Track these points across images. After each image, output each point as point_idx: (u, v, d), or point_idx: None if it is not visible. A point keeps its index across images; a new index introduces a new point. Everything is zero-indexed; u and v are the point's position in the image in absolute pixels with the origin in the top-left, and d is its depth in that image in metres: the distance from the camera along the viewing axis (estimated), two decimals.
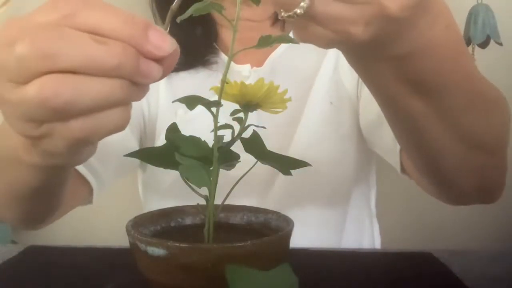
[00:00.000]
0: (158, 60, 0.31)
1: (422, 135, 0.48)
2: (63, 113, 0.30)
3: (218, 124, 0.43)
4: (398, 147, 0.65)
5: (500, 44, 1.14)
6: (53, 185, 0.50)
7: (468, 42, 1.16)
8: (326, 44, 0.36)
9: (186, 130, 0.47)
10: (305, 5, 0.32)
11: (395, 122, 0.51)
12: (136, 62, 0.30)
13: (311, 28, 0.34)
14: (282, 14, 0.33)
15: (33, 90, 0.29)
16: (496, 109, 0.51)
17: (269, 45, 0.40)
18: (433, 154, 0.50)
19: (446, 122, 0.46)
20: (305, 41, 0.36)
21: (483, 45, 1.15)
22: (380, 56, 0.39)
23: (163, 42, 0.31)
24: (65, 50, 0.28)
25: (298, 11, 0.32)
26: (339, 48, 0.39)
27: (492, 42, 1.15)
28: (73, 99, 0.29)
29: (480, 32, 1.13)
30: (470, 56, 0.44)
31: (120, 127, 0.32)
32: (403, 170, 0.68)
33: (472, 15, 1.14)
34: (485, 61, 1.19)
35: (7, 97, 0.31)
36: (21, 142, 0.38)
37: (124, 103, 0.31)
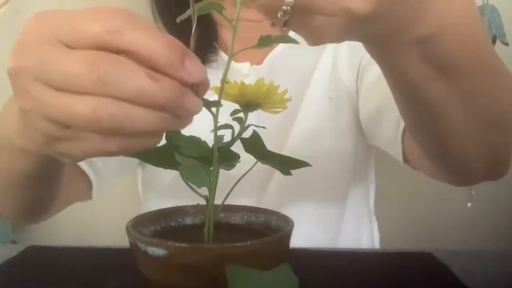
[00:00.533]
0: (192, 86, 0.33)
1: (440, 118, 0.47)
2: (109, 132, 0.31)
3: (218, 124, 0.43)
4: (399, 137, 0.65)
5: (506, 44, 1.14)
6: (47, 173, 0.50)
7: None
8: (338, 33, 0.34)
9: (186, 130, 0.46)
10: (290, 2, 0.30)
11: (414, 110, 0.49)
12: (181, 98, 0.32)
13: (314, 23, 0.32)
14: (277, 17, 0.32)
15: (87, 108, 0.30)
16: (509, 86, 0.51)
17: (269, 45, 0.40)
18: (448, 137, 0.49)
19: (466, 102, 0.45)
20: (318, 41, 0.34)
21: None
22: (404, 40, 0.38)
23: (196, 70, 0.32)
24: (122, 81, 0.30)
25: (285, 7, 0.30)
26: (359, 39, 0.38)
27: (498, 42, 1.15)
28: (123, 123, 0.31)
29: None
30: (484, 29, 0.43)
31: (148, 149, 0.34)
32: (405, 160, 0.67)
33: None
34: None
35: (43, 99, 0.32)
36: (15, 127, 0.38)
37: (163, 132, 0.33)
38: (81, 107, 0.30)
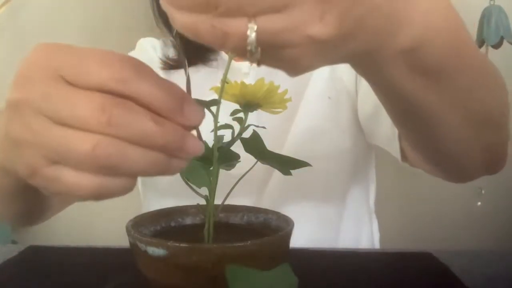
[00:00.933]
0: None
1: (432, 124, 0.47)
2: (104, 171, 0.33)
3: (218, 124, 0.43)
4: (396, 135, 0.65)
5: None
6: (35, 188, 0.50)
7: (482, 43, 1.16)
8: (312, 61, 0.33)
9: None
10: (252, 40, 0.30)
11: (405, 118, 0.50)
12: (183, 141, 0.33)
13: (285, 56, 0.32)
14: (247, 57, 0.31)
15: (87, 145, 0.31)
16: (497, 83, 0.51)
17: None
18: (442, 140, 0.50)
19: (457, 106, 0.45)
20: (296, 71, 0.34)
21: (497, 46, 1.15)
22: (386, 54, 0.38)
23: (195, 115, 0.34)
24: (129, 124, 0.32)
25: (249, 48, 0.30)
26: (340, 61, 0.38)
27: (505, 43, 1.15)
28: (119, 163, 0.32)
29: (494, 33, 1.13)
30: (467, 30, 0.43)
31: (121, 194, 0.35)
32: (404, 158, 0.68)
33: (485, 17, 1.14)
34: (498, 62, 1.19)
35: (43, 131, 0.32)
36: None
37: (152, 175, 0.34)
38: (81, 142, 0.32)
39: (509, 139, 0.55)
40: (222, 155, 0.44)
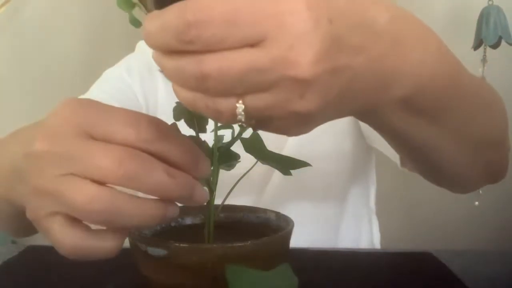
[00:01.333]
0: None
1: (432, 153, 0.48)
2: (98, 222, 0.34)
3: (218, 124, 0.43)
4: None
5: None
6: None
7: (480, 43, 1.16)
8: (300, 129, 0.35)
9: (186, 130, 0.47)
10: (241, 117, 0.32)
11: (404, 150, 0.51)
12: (193, 192, 0.36)
13: (276, 125, 0.34)
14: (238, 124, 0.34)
15: (82, 196, 0.33)
16: (496, 105, 0.52)
17: None
18: (441, 165, 0.50)
19: (457, 135, 0.46)
20: (290, 135, 0.36)
21: (495, 46, 1.15)
22: (382, 107, 0.38)
23: (207, 170, 0.38)
24: (144, 177, 0.34)
25: (240, 123, 0.33)
26: (334, 119, 0.38)
27: (503, 43, 1.15)
28: (114, 217, 0.34)
29: (492, 33, 1.13)
30: (459, 62, 0.44)
31: (110, 254, 0.36)
32: (403, 164, 0.68)
33: (484, 17, 1.14)
34: (497, 61, 1.19)
35: (60, 184, 0.34)
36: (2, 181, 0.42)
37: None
38: (79, 193, 0.33)
39: (509, 150, 0.55)
40: (222, 155, 0.44)
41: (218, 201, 0.45)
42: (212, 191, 0.44)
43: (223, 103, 0.32)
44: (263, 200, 0.77)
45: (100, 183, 0.34)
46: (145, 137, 0.34)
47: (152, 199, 0.35)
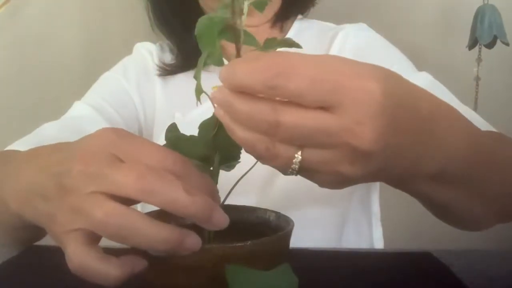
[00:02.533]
0: None
1: (452, 207, 0.50)
2: (113, 237, 0.36)
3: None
4: None
5: (507, 44, 1.14)
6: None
7: (475, 42, 1.16)
8: (334, 186, 0.39)
9: (184, 132, 0.47)
10: (295, 166, 0.36)
11: (428, 207, 0.54)
12: (211, 213, 0.37)
13: (316, 176, 0.38)
14: (288, 173, 0.38)
15: (99, 212, 0.35)
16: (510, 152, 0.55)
17: (274, 47, 0.41)
18: (458, 214, 0.53)
19: (479, 194, 0.49)
20: (326, 187, 0.40)
21: (490, 45, 1.15)
22: (413, 181, 0.42)
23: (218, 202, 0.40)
24: (161, 191, 0.35)
25: (293, 168, 0.36)
26: (366, 182, 0.43)
27: (498, 42, 1.15)
28: (128, 234, 0.36)
29: (487, 32, 1.13)
30: (486, 136, 0.51)
31: (113, 282, 0.38)
32: None
33: (479, 16, 1.14)
34: (492, 61, 1.19)
35: (88, 201, 0.36)
36: (17, 196, 0.44)
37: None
38: (96, 208, 0.36)
39: None
40: (222, 156, 0.44)
41: None
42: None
43: (283, 150, 0.35)
44: (266, 203, 0.77)
45: (122, 199, 0.36)
46: (171, 167, 0.37)
47: (170, 224, 0.36)
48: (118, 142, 0.39)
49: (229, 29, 0.39)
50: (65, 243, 0.38)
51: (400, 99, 0.36)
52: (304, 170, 0.37)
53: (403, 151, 0.38)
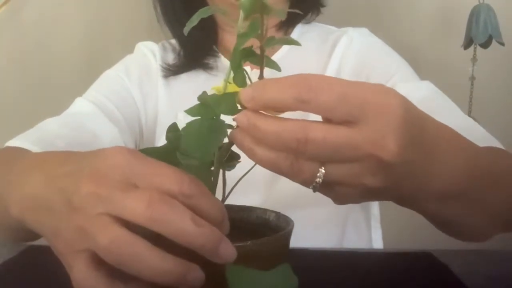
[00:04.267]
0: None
1: (456, 222, 0.51)
2: (116, 264, 0.35)
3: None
4: None
5: (502, 44, 1.14)
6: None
7: (470, 42, 1.16)
8: (356, 199, 0.41)
9: None
10: (319, 180, 0.38)
11: (433, 222, 0.54)
12: (218, 245, 0.36)
13: (336, 189, 0.40)
14: (309, 186, 0.39)
15: (105, 239, 0.35)
16: (509, 167, 0.57)
17: (273, 45, 0.41)
18: (462, 228, 0.54)
19: (483, 209, 0.51)
20: (342, 202, 0.42)
21: (485, 45, 1.15)
22: (424, 194, 0.44)
23: (226, 230, 0.39)
24: (170, 221, 0.35)
25: (317, 181, 0.38)
26: (379, 200, 0.46)
27: (494, 42, 1.15)
28: (130, 263, 0.35)
29: (482, 32, 1.13)
30: (474, 145, 0.52)
31: None
32: None
33: (474, 15, 1.14)
34: (487, 61, 1.19)
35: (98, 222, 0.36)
36: (18, 201, 0.44)
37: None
38: (101, 234, 0.35)
39: None
40: (222, 155, 0.44)
41: None
42: (212, 191, 0.44)
43: (307, 166, 0.37)
44: (268, 204, 0.77)
45: (129, 224, 0.35)
46: (187, 193, 0.36)
47: (175, 256, 0.36)
48: (133, 163, 0.38)
49: (252, 53, 0.41)
50: (71, 263, 0.37)
51: (413, 117, 0.39)
52: (326, 184, 0.38)
53: (414, 168, 0.40)
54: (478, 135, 0.63)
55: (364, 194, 0.40)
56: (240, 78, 0.41)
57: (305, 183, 0.39)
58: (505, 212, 0.53)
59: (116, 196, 0.36)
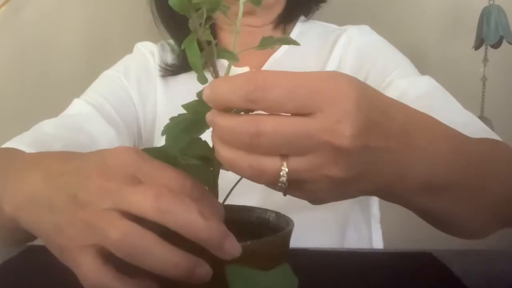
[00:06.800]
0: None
1: (450, 217, 0.51)
2: (127, 257, 0.36)
3: None
4: None
5: None
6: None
7: (481, 43, 1.16)
8: (328, 195, 0.40)
9: None
10: (284, 179, 0.37)
11: (424, 218, 0.54)
12: (223, 240, 0.37)
13: (307, 188, 0.39)
14: (276, 187, 0.38)
15: (116, 232, 0.35)
16: (505, 158, 0.55)
17: (271, 45, 0.40)
18: (460, 224, 0.53)
19: (472, 200, 0.49)
20: (317, 201, 0.42)
21: (496, 45, 1.15)
22: (403, 186, 0.43)
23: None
24: (176, 212, 0.35)
25: (281, 181, 0.37)
26: (356, 196, 0.44)
27: (504, 42, 1.15)
28: (141, 256, 0.35)
29: (493, 32, 1.13)
30: (469, 140, 0.51)
31: None
32: None
33: (485, 16, 1.14)
34: (498, 61, 1.19)
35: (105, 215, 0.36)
36: (12, 201, 0.43)
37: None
38: (113, 228, 0.35)
39: None
40: None
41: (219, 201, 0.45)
42: (212, 191, 0.44)
43: (268, 163, 0.36)
44: (268, 205, 0.77)
45: (135, 218, 0.36)
46: (189, 192, 0.37)
47: (184, 251, 0.36)
48: (139, 162, 0.38)
49: (204, 47, 0.41)
50: (78, 259, 0.37)
51: (371, 102, 0.38)
52: (293, 183, 0.37)
53: (383, 157, 0.39)
54: (476, 129, 0.62)
55: (333, 189, 0.39)
56: (201, 77, 0.42)
57: (270, 183, 0.38)
58: (501, 205, 0.52)
59: (125, 190, 0.36)
